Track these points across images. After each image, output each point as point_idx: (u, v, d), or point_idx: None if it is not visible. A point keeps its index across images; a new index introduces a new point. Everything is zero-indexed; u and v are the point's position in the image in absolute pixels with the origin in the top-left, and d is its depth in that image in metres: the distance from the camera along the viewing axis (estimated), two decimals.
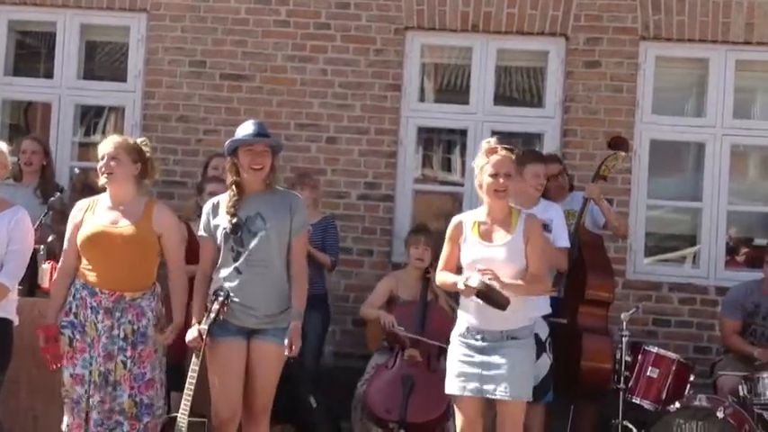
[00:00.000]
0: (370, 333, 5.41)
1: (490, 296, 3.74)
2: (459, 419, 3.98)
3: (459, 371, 3.91)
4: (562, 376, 4.92)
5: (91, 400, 3.87)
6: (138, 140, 4.17)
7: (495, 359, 3.84)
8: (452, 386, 3.95)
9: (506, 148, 3.96)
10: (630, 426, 4.95)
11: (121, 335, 3.92)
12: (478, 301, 3.79)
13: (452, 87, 8.01)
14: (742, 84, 6.39)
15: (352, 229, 6.20)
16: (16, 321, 4.02)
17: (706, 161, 6.28)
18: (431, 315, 5.05)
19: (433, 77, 7.92)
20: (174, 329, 4.01)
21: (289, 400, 4.58)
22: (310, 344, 5.34)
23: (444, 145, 9.68)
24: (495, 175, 3.89)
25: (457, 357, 3.94)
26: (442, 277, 4.04)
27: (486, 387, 3.85)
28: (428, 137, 8.68)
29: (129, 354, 3.91)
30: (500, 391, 3.83)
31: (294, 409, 4.68)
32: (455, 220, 4.08)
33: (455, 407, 4.03)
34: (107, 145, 4.03)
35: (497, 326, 3.84)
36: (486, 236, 3.95)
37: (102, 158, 4.00)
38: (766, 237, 6.45)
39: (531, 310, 4.02)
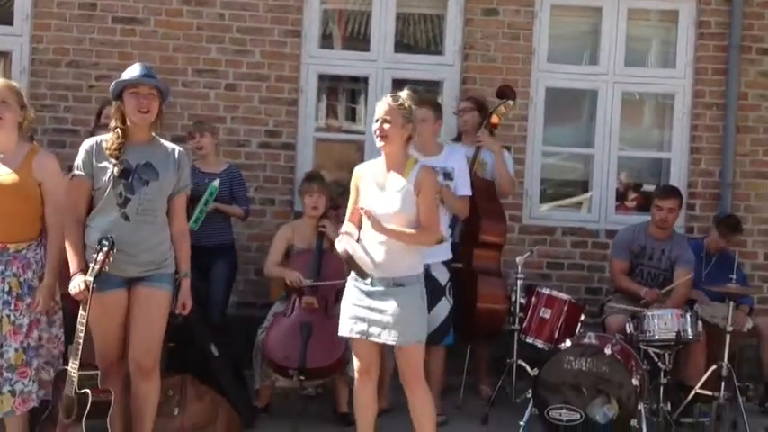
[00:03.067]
0: (272, 284, 5.42)
1: (351, 266, 3.87)
2: (355, 363, 4.06)
3: (351, 314, 3.99)
4: (459, 318, 5.04)
5: None
6: (15, 84, 3.97)
7: (382, 304, 3.91)
8: (343, 328, 4.03)
9: (393, 96, 4.01)
10: (524, 364, 5.13)
11: (5, 288, 3.77)
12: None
13: (354, 35, 7.95)
14: (634, 32, 6.56)
15: (254, 178, 6.14)
16: None
17: (598, 108, 6.45)
18: (326, 262, 5.08)
19: (337, 23, 7.83)
20: (42, 291, 3.82)
21: (189, 348, 4.57)
22: (217, 292, 5.34)
23: (348, 94, 9.63)
24: (376, 121, 3.97)
25: (350, 300, 4.01)
26: (345, 228, 4.08)
27: (372, 330, 3.93)
28: (332, 85, 8.61)
29: (13, 307, 3.77)
30: (385, 335, 3.91)
31: (194, 358, 4.66)
32: (356, 170, 4.13)
33: (352, 351, 4.10)
34: None
35: (384, 272, 3.91)
36: (380, 184, 4.00)
37: None
38: (655, 182, 6.69)
39: (419, 259, 4.04)
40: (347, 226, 4.07)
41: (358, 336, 3.96)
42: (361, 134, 7.08)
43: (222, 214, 5.39)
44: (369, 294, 3.94)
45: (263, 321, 5.12)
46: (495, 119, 5.51)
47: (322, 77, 6.62)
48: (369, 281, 3.93)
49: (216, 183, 5.24)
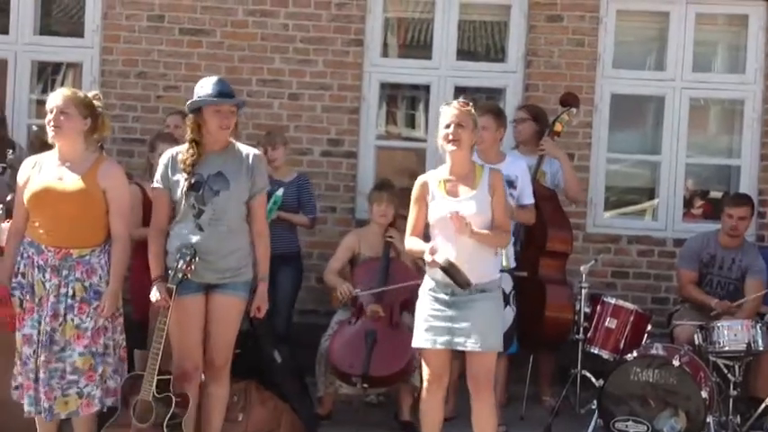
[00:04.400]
0: (333, 291, 5.44)
1: (453, 274, 3.80)
2: (425, 372, 4.03)
3: (429, 325, 3.94)
4: (523, 327, 5.00)
5: (39, 360, 3.83)
6: (90, 94, 4.05)
7: (465, 312, 3.88)
8: (421, 340, 3.98)
9: (462, 102, 3.99)
10: (589, 375, 5.06)
11: (69, 293, 3.85)
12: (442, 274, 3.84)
13: (415, 42, 7.96)
14: (702, 37, 6.43)
15: (316, 186, 6.14)
16: None
17: (665, 115, 6.33)
18: (393, 271, 5.08)
19: (396, 32, 7.86)
20: (108, 297, 3.89)
21: (253, 355, 4.62)
22: (283, 300, 5.38)
23: (408, 101, 9.65)
24: (447, 125, 3.93)
25: (426, 312, 3.97)
26: (410, 243, 4.06)
27: (456, 340, 3.90)
28: (392, 93, 8.65)
29: (77, 311, 3.84)
30: (470, 343, 3.87)
31: (259, 364, 4.71)
32: (420, 180, 4.09)
33: (422, 360, 4.07)
34: (56, 98, 3.91)
35: (461, 290, 3.86)
36: (452, 191, 3.97)
37: (51, 111, 3.88)
38: (722, 189, 6.55)
39: (496, 264, 4.05)
40: (412, 240, 4.03)
41: (441, 347, 3.92)
42: (422, 141, 7.08)
43: (287, 222, 5.44)
44: (450, 304, 3.91)
45: (324, 328, 5.15)
46: (558, 127, 5.46)
47: (383, 85, 6.64)
48: (450, 290, 3.89)
49: (279, 192, 5.28)
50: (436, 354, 3.97)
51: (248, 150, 4.06)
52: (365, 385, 4.73)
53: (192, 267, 3.77)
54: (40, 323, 3.85)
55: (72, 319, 3.85)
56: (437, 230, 3.96)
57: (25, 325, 3.87)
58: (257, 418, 4.46)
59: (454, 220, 3.80)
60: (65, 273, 3.85)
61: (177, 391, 3.86)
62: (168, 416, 3.78)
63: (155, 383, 3.80)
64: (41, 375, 3.82)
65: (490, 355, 3.96)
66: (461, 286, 3.83)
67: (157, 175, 4.01)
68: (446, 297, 3.92)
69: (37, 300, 3.86)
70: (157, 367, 3.80)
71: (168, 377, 3.87)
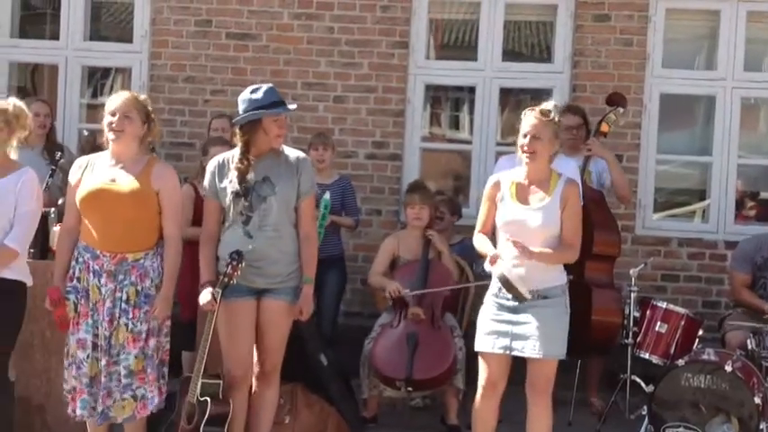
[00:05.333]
0: (378, 294, 5.45)
1: (508, 289, 3.77)
2: (482, 377, 3.99)
3: (491, 329, 3.91)
4: (570, 331, 4.93)
5: (99, 364, 3.86)
6: (142, 97, 4.07)
7: (526, 318, 3.84)
8: (482, 343, 3.94)
9: (543, 111, 3.88)
10: (638, 380, 4.99)
11: (124, 297, 3.87)
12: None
13: (460, 43, 7.94)
14: (753, 35, 6.31)
15: (361, 189, 6.19)
16: (30, 283, 4.00)
17: (716, 114, 6.22)
18: (433, 273, 5.06)
19: (440, 33, 7.84)
20: (161, 301, 3.89)
21: (299, 357, 4.63)
22: (328, 303, 5.41)
23: (452, 102, 9.62)
24: (524, 136, 3.87)
25: (489, 316, 3.93)
26: (478, 242, 4.02)
27: (515, 345, 3.86)
28: (436, 94, 8.63)
29: (131, 316, 3.86)
30: (530, 349, 3.83)
31: (305, 367, 4.72)
32: (492, 178, 4.04)
33: (480, 364, 4.02)
34: (118, 102, 3.91)
35: (529, 286, 3.81)
36: (522, 197, 3.91)
37: (114, 114, 3.88)
38: None
39: (560, 269, 3.97)
40: (480, 239, 4.00)
41: (500, 351, 3.89)
42: (467, 143, 7.05)
43: (333, 225, 5.46)
44: (512, 309, 3.87)
45: (369, 331, 5.14)
46: (604, 127, 5.37)
47: (428, 87, 6.62)
48: (512, 296, 3.84)
49: (327, 196, 5.30)
50: (495, 359, 3.92)
51: (295, 154, 4.06)
52: (409, 389, 4.70)
53: (238, 273, 3.78)
54: (95, 328, 3.88)
55: (126, 324, 3.87)
56: (503, 233, 3.90)
57: (80, 329, 3.89)
58: (304, 421, 4.47)
59: (516, 246, 3.75)
60: (120, 277, 3.88)
61: (227, 395, 3.88)
62: (204, 420, 3.78)
63: (199, 386, 3.81)
64: (102, 379, 3.85)
65: (551, 363, 3.91)
66: (517, 300, 3.81)
67: (205, 182, 4.05)
68: (508, 302, 3.88)
69: (91, 304, 3.89)
70: (202, 370, 3.81)
71: (218, 381, 3.88)
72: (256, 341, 3.98)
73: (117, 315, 3.87)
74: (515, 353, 3.88)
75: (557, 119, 3.90)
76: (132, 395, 3.88)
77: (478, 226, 4.04)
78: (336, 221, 5.46)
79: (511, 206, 3.90)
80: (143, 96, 4.08)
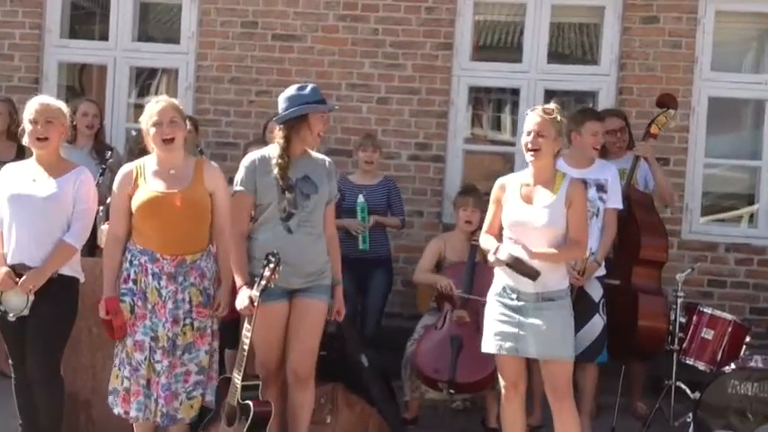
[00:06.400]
0: (420, 294, 5.44)
1: (518, 268, 3.77)
2: (501, 379, 4.01)
3: (496, 330, 3.93)
4: (614, 336, 4.89)
5: (158, 365, 3.90)
6: (176, 101, 4.10)
7: (531, 320, 3.85)
8: (489, 345, 3.97)
9: (546, 110, 3.91)
10: (684, 387, 4.92)
11: (186, 298, 3.92)
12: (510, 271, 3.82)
13: (504, 45, 7.90)
14: None
15: (403, 191, 6.14)
16: (82, 279, 4.10)
17: (766, 118, 6.11)
18: (479, 277, 5.04)
19: (484, 35, 7.81)
20: (223, 297, 3.97)
21: (340, 357, 4.65)
22: (374, 303, 5.44)
23: (494, 104, 9.59)
24: (527, 134, 3.88)
25: (494, 316, 3.95)
26: (483, 241, 4.07)
27: (521, 346, 3.87)
28: (477, 95, 8.60)
29: (195, 315, 3.92)
30: (535, 350, 3.85)
31: (345, 367, 4.73)
32: (499, 181, 4.07)
33: (498, 366, 4.04)
34: (164, 108, 3.95)
35: (532, 287, 3.84)
36: (527, 197, 3.93)
37: (160, 125, 3.92)
38: None
39: (564, 272, 3.97)
40: (486, 239, 4.02)
41: (506, 353, 3.90)
42: (510, 145, 7.01)
43: (380, 226, 5.47)
44: (517, 310, 3.88)
45: (410, 332, 5.14)
46: (654, 129, 5.30)
47: (470, 88, 6.59)
48: (516, 295, 3.86)
49: (360, 198, 5.36)
50: (508, 360, 3.94)
51: (322, 157, 4.12)
52: (451, 391, 4.69)
53: (276, 276, 3.75)
54: (153, 330, 3.91)
55: (192, 323, 3.93)
56: (509, 233, 3.93)
57: (137, 331, 3.93)
58: (345, 420, 4.48)
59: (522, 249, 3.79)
60: (180, 279, 3.92)
61: (263, 395, 3.90)
62: (248, 424, 3.79)
63: (240, 389, 3.83)
64: (163, 380, 3.89)
65: (565, 364, 3.90)
66: (531, 277, 3.78)
67: (239, 177, 4.00)
68: (514, 302, 3.89)
69: (150, 306, 3.93)
70: (242, 373, 3.83)
71: (258, 382, 3.90)
72: (290, 342, 3.96)
73: (181, 316, 3.91)
74: (522, 354, 3.89)
75: (559, 118, 3.90)
76: (202, 393, 3.95)
77: (485, 227, 4.09)
78: (382, 222, 5.48)
79: (516, 206, 3.92)
80: (175, 100, 4.11)
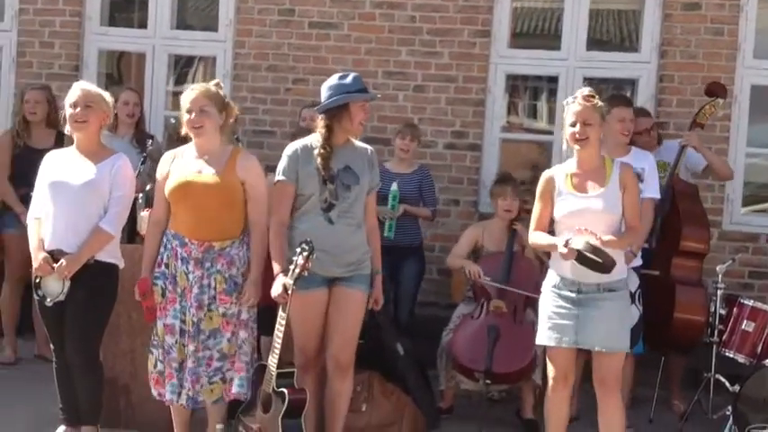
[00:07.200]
0: (455, 283, 5.43)
1: (596, 257, 3.66)
2: (551, 371, 3.96)
3: (553, 323, 3.87)
4: (653, 328, 4.84)
5: (186, 349, 3.95)
6: (213, 84, 4.08)
7: (591, 311, 3.80)
8: (545, 338, 3.91)
9: (586, 97, 3.85)
10: (723, 380, 4.86)
11: (212, 284, 3.94)
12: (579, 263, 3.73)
13: (541, 32, 7.82)
14: None
15: (439, 179, 6.15)
16: (121, 265, 4.15)
17: None
18: (517, 266, 5.01)
19: (521, 22, 7.73)
20: (250, 287, 3.95)
21: (376, 346, 4.65)
22: (406, 292, 5.43)
23: (531, 91, 9.50)
24: (573, 124, 3.83)
25: (550, 309, 3.89)
26: (536, 238, 3.97)
27: (581, 338, 3.82)
28: (513, 83, 8.52)
29: (219, 302, 3.94)
30: (596, 343, 3.80)
31: (381, 356, 4.74)
32: (545, 174, 4.00)
33: (547, 359, 4.00)
34: (194, 97, 3.96)
35: (594, 278, 3.77)
36: (580, 187, 3.87)
37: (190, 112, 3.94)
38: None
39: (623, 262, 3.93)
40: (539, 236, 3.95)
41: (566, 346, 3.86)
42: (546, 134, 6.95)
43: (411, 215, 5.46)
44: (576, 302, 3.83)
45: (444, 321, 5.13)
46: (701, 118, 5.19)
47: (507, 76, 6.54)
48: (576, 288, 3.82)
49: (394, 186, 5.35)
50: (562, 352, 3.90)
51: (364, 146, 4.11)
52: (488, 381, 4.67)
53: (310, 264, 3.76)
54: (183, 314, 3.96)
55: (217, 308, 3.95)
56: (563, 227, 3.87)
57: (168, 315, 3.99)
58: (381, 409, 4.49)
59: (581, 233, 3.71)
60: (207, 265, 3.95)
61: (300, 384, 3.91)
62: (284, 410, 3.81)
63: (275, 376, 3.85)
64: (189, 365, 3.94)
65: (618, 356, 3.86)
66: (606, 268, 3.69)
67: (281, 167, 4.01)
68: (572, 295, 3.84)
69: (179, 290, 3.98)
70: (277, 360, 3.84)
71: (293, 369, 3.92)
72: (330, 331, 3.98)
73: (206, 301, 3.94)
74: (581, 346, 3.85)
75: (600, 104, 3.86)
76: (222, 378, 3.96)
77: (533, 225, 4.00)
78: (413, 212, 5.46)
79: (570, 197, 3.86)
80: (213, 87, 4.06)
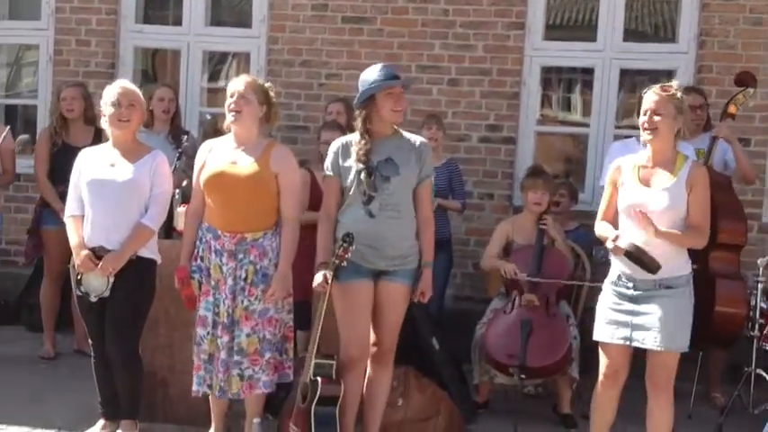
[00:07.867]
0: (490, 279, 5.40)
1: (639, 259, 3.64)
2: (603, 365, 3.91)
3: (610, 318, 3.83)
4: (693, 323, 4.77)
5: (219, 341, 3.97)
6: (266, 84, 4.15)
7: (648, 308, 3.74)
8: (602, 333, 3.86)
9: (663, 86, 3.77)
10: (764, 374, 4.79)
11: (243, 275, 3.96)
12: (628, 261, 3.69)
13: (575, 23, 7.74)
14: None
15: (473, 173, 6.15)
16: (159, 260, 4.20)
17: None
18: (547, 259, 4.97)
19: (554, 13, 7.66)
20: (278, 280, 3.96)
21: (412, 341, 4.65)
22: (435, 286, 5.37)
23: (565, 83, 9.41)
24: (644, 113, 3.76)
25: (607, 305, 3.85)
26: (599, 228, 3.93)
27: (636, 335, 3.77)
28: (547, 75, 8.45)
29: (247, 293, 3.96)
30: (651, 341, 3.73)
31: (417, 351, 4.74)
32: (615, 163, 3.95)
33: (600, 353, 3.94)
34: (238, 83, 3.99)
35: (652, 275, 3.71)
36: (645, 180, 3.80)
37: (232, 96, 3.97)
38: None
39: (686, 258, 3.83)
40: (602, 226, 3.91)
41: (620, 342, 3.81)
42: (579, 125, 6.88)
43: (441, 209, 5.45)
44: (633, 299, 3.78)
45: (480, 316, 5.11)
46: (732, 108, 5.13)
47: (542, 68, 6.47)
48: (633, 284, 3.77)
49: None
50: (616, 349, 3.84)
51: (416, 137, 4.07)
52: (522, 376, 4.64)
53: (348, 255, 3.79)
54: (216, 306, 3.99)
55: (242, 301, 3.97)
56: (625, 218, 3.81)
57: (201, 307, 4.03)
58: (416, 403, 4.48)
59: (638, 216, 3.65)
60: (240, 256, 3.97)
61: (340, 376, 3.92)
62: (315, 400, 3.83)
63: (312, 366, 3.87)
64: (222, 356, 3.96)
65: (672, 355, 3.79)
66: (651, 270, 3.65)
67: (327, 163, 4.06)
68: (629, 291, 3.79)
69: (213, 283, 4.01)
70: (315, 350, 3.87)
71: (332, 361, 3.93)
72: (373, 322, 3.99)
73: (237, 292, 3.97)
74: (636, 344, 3.78)
75: (679, 95, 3.77)
76: (239, 374, 3.97)
77: (600, 214, 3.95)
78: (444, 205, 5.45)
79: (633, 189, 3.79)
80: (262, 81, 4.12)
